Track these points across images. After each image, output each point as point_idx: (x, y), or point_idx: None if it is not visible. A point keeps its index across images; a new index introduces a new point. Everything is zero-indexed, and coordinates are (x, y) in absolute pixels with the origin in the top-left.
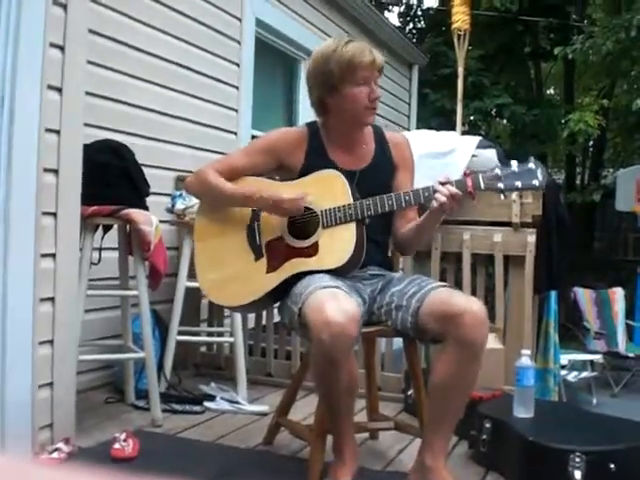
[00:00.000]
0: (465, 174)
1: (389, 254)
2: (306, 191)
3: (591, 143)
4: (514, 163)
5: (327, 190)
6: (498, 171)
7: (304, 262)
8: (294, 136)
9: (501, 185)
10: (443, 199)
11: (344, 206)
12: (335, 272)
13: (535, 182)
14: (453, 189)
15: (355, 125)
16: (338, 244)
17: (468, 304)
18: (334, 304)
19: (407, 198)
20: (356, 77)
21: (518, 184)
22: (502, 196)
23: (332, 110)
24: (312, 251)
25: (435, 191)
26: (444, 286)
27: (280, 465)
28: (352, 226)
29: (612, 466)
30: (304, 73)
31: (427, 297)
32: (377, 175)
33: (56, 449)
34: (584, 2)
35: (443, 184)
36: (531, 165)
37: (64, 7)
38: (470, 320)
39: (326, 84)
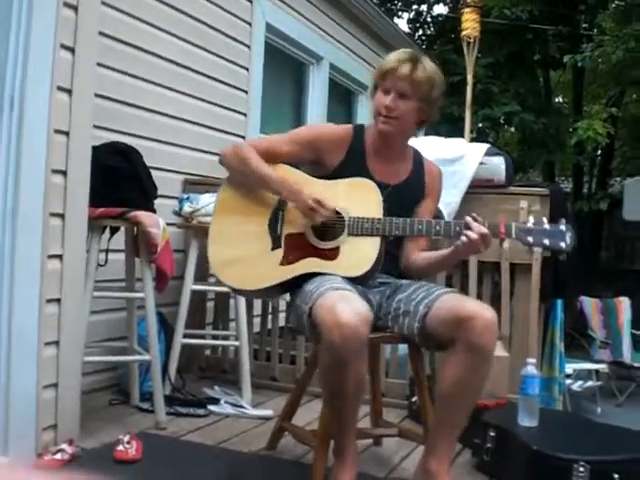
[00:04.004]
0: (500, 220)
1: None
2: (338, 194)
3: (599, 152)
4: (546, 221)
5: (359, 198)
6: (530, 225)
7: (321, 264)
8: (339, 135)
9: (530, 239)
10: (474, 236)
11: (373, 219)
12: (348, 279)
13: (562, 245)
14: (484, 229)
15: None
16: (359, 254)
17: (480, 309)
18: (346, 305)
19: (438, 229)
20: (381, 83)
21: (546, 242)
22: (528, 248)
23: None
24: (332, 254)
25: (468, 227)
26: (453, 292)
27: (283, 470)
28: (377, 240)
29: (616, 476)
30: (313, 77)
31: (436, 302)
32: (407, 195)
33: (60, 450)
34: (594, 11)
35: (476, 220)
36: (562, 227)
37: (75, 9)
38: (482, 325)
39: (371, 85)
